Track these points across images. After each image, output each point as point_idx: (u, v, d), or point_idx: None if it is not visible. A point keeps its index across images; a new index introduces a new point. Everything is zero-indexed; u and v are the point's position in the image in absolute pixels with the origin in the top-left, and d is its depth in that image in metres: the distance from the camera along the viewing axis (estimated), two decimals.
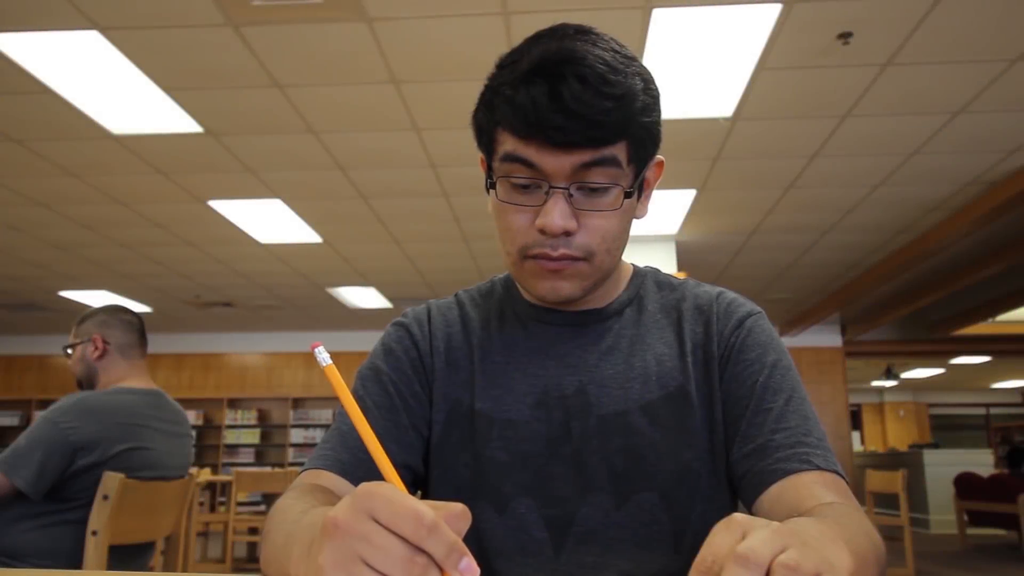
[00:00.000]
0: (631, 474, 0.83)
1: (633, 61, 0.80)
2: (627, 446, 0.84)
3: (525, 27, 3.31)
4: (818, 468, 0.77)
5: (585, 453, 0.84)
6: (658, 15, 3.35)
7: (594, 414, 0.85)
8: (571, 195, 0.79)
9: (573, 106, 0.74)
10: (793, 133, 4.54)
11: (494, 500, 0.84)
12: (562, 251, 0.80)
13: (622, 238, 0.85)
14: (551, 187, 0.78)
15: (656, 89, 0.82)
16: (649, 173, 0.86)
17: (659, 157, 0.86)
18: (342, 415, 0.84)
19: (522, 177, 0.79)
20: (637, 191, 0.83)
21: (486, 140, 0.83)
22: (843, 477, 0.78)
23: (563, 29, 0.81)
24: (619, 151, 0.78)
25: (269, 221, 6.08)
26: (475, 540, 0.84)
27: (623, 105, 0.76)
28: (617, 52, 0.79)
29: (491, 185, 0.83)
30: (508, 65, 0.80)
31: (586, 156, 0.77)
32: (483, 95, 0.83)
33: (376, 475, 0.55)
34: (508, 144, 0.79)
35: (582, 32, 0.80)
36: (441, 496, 0.87)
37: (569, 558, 0.82)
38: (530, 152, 0.77)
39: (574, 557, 0.82)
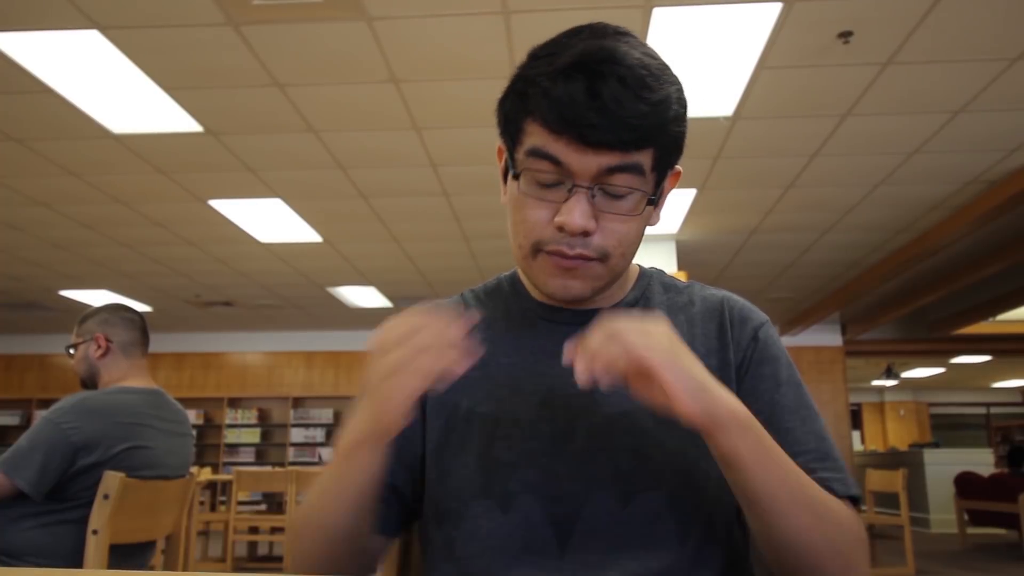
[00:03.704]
0: (637, 473, 0.83)
1: (668, 69, 0.80)
2: (634, 445, 0.84)
3: (525, 26, 3.30)
4: (836, 494, 0.81)
5: (591, 452, 0.84)
6: (658, 14, 3.35)
7: (600, 413, 0.85)
8: (593, 196, 0.78)
9: (611, 106, 0.74)
10: (793, 132, 4.54)
11: (499, 498, 0.84)
12: (578, 250, 0.80)
13: (637, 243, 0.85)
14: (575, 185, 0.78)
15: (686, 100, 0.82)
16: (667, 182, 0.86)
17: (677, 167, 0.86)
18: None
19: (547, 173, 0.78)
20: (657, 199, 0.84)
21: (512, 129, 0.82)
22: (859, 499, 0.82)
23: (603, 28, 0.80)
24: (645, 158, 0.78)
25: (269, 220, 6.08)
26: (479, 538, 0.84)
27: (658, 112, 0.76)
28: (654, 59, 0.79)
29: (514, 176, 0.81)
30: (545, 56, 0.79)
31: (614, 159, 0.76)
32: (514, 83, 0.82)
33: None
34: (537, 138, 0.78)
35: (621, 33, 0.80)
36: (443, 498, 0.87)
37: (574, 556, 0.81)
38: (559, 148, 0.77)
39: (579, 556, 0.81)
